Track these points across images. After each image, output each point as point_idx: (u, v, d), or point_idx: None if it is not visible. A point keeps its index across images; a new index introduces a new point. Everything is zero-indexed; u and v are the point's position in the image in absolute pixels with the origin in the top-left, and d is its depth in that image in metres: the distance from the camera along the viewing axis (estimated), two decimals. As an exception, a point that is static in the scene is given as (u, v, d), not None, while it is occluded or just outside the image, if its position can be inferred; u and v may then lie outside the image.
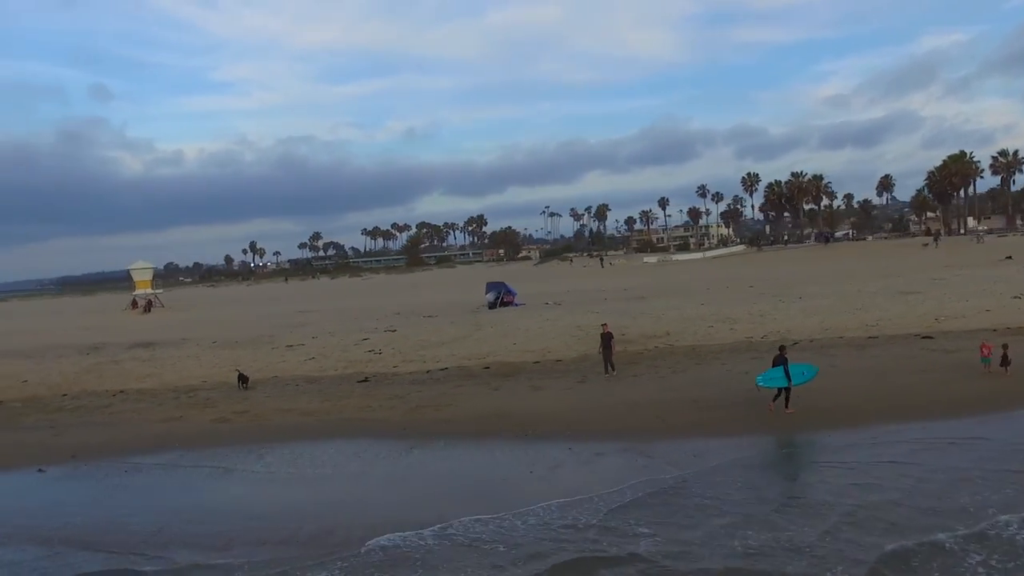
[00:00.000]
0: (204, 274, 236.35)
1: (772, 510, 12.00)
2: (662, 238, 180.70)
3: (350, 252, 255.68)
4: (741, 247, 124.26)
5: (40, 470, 17.85)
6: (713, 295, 44.43)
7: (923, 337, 26.46)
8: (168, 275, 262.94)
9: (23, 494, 16.63)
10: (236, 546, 12.22)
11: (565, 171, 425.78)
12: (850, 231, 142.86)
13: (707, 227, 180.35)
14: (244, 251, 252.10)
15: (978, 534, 10.45)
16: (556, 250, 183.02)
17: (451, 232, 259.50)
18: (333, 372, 28.45)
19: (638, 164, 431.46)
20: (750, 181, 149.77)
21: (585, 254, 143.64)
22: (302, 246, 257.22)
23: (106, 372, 31.00)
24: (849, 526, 11.14)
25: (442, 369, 27.43)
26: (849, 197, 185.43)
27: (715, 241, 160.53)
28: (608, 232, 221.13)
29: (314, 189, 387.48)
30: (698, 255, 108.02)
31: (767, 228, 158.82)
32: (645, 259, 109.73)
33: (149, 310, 68.70)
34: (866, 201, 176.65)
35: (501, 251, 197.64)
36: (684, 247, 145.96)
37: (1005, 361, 20.14)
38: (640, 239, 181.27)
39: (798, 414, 17.97)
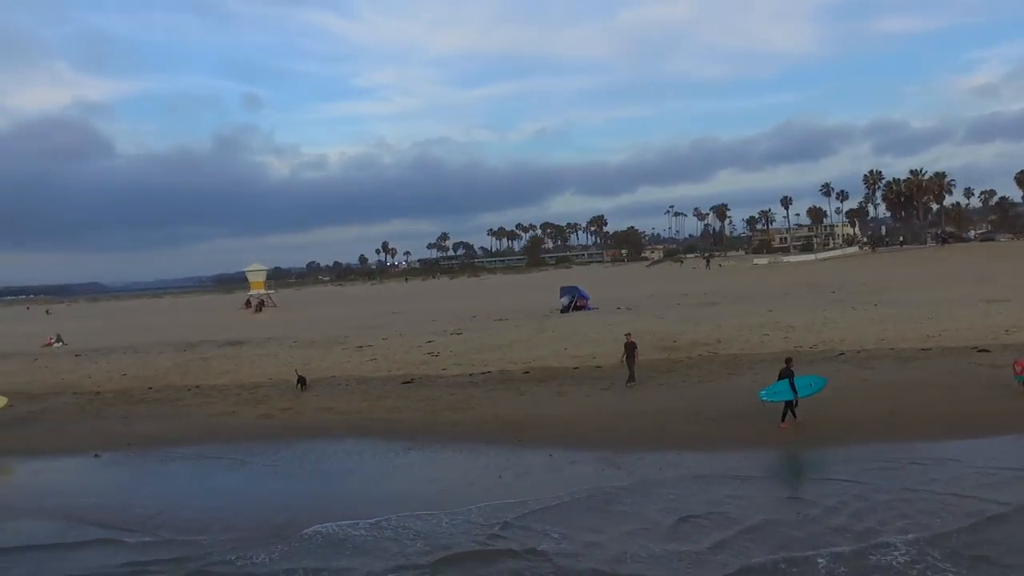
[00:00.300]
0: (340, 273, 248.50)
1: (679, 519, 12.34)
2: (785, 238, 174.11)
3: (479, 252, 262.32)
4: (854, 249, 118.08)
5: (96, 455, 20.35)
6: (789, 301, 43.10)
7: (979, 351, 24.98)
8: (308, 274, 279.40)
9: (69, 475, 19.15)
10: (210, 530, 13.78)
11: (697, 170, 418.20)
12: (987, 230, 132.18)
13: (831, 227, 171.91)
14: (377, 251, 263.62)
15: (854, 552, 10.48)
16: (675, 251, 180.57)
17: (574, 232, 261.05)
18: (386, 373, 30.14)
19: (771, 162, 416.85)
20: (873, 179, 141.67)
21: (698, 255, 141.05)
22: (431, 246, 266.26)
23: (192, 368, 34.15)
24: (743, 539, 11.35)
25: (484, 373, 28.50)
26: (989, 194, 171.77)
27: (840, 241, 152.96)
28: (737, 232, 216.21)
29: (449, 190, 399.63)
30: (810, 257, 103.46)
31: (883, 229, 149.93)
32: (755, 261, 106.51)
33: (260, 309, 74.00)
34: (1003, 199, 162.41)
35: (624, 251, 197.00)
36: (808, 247, 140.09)
37: (1035, 380, 18.98)
38: (761, 239, 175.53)
39: (791, 430, 17.77)
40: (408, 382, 27.67)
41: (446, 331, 39.93)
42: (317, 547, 12.45)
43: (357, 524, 13.15)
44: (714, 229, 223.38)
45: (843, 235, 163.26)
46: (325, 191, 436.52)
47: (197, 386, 29.93)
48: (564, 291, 49.24)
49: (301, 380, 27.88)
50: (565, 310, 46.00)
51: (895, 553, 10.18)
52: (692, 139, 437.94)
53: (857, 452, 15.67)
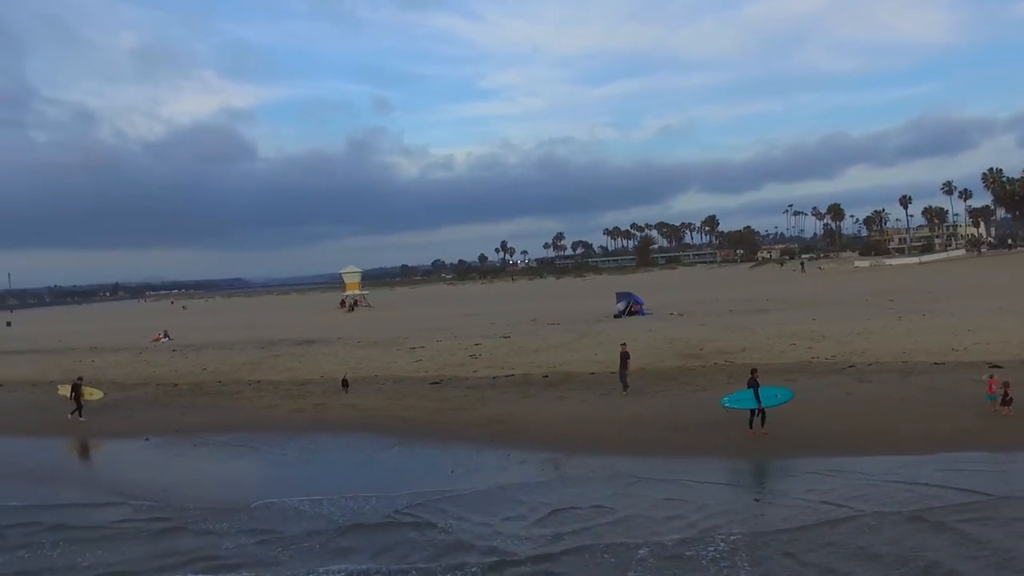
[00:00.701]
0: (462, 272, 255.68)
1: (557, 510, 14.32)
2: (904, 238, 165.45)
3: (597, 251, 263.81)
4: (960, 252, 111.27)
5: (146, 439, 23.71)
6: (839, 310, 42.44)
7: (992, 366, 24.52)
8: (433, 272, 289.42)
9: (118, 455, 22.75)
10: (200, 501, 16.55)
11: (825, 166, 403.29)
12: None
13: (954, 226, 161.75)
14: (496, 250, 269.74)
15: (677, 542, 12.03)
16: (792, 251, 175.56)
17: (688, 232, 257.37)
18: (423, 374, 32.49)
19: (905, 157, 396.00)
20: (992, 179, 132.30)
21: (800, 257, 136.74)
22: (546, 246, 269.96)
23: (262, 364, 37.77)
24: (598, 528, 13.20)
25: (508, 376, 30.34)
26: None
27: (962, 242, 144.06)
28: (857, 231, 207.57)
29: (572, 189, 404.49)
30: (913, 260, 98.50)
31: (991, 230, 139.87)
32: (856, 263, 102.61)
33: (353, 309, 78.80)
34: None
35: (739, 251, 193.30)
36: (928, 248, 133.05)
37: (1005, 400, 18.93)
38: (876, 239, 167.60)
39: (754, 441, 18.67)
40: (436, 383, 29.93)
41: (497, 334, 42.00)
42: (264, 515, 15.27)
43: (303, 500, 15.74)
44: (831, 228, 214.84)
45: (967, 235, 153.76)
46: (451, 190, 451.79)
47: (258, 381, 33.35)
48: (620, 296, 50.42)
49: (345, 383, 30.57)
50: (620, 315, 47.13)
51: (710, 548, 11.40)
52: (821, 135, 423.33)
53: (780, 464, 16.61)
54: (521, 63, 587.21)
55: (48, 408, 29.50)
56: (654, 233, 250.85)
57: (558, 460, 18.09)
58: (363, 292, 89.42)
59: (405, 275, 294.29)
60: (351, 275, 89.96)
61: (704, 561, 11.26)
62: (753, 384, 19.30)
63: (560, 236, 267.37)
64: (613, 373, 29.28)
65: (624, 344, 26.35)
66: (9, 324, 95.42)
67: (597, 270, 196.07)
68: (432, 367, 33.68)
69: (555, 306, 64.03)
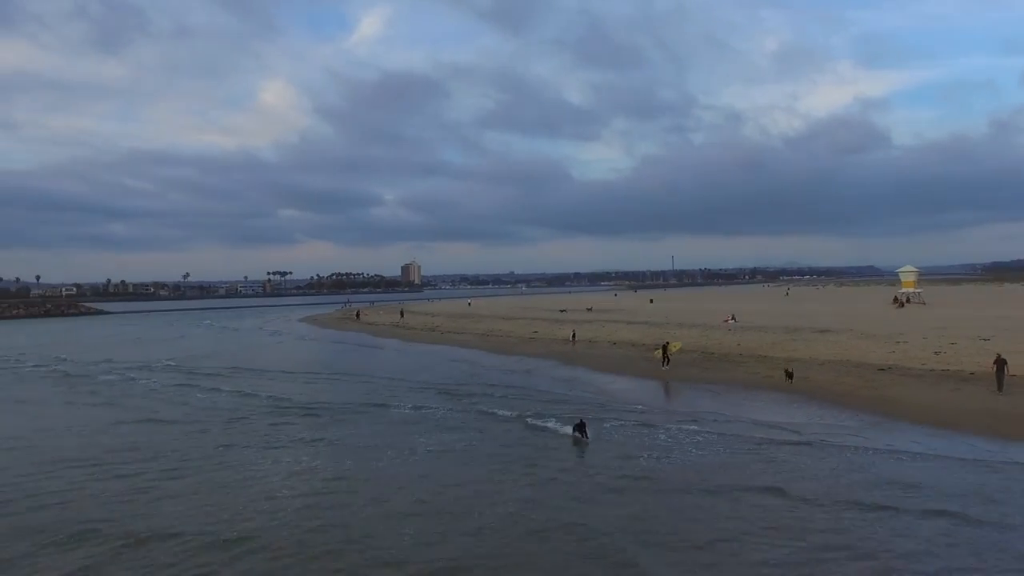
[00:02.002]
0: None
1: (471, 383, 40.18)
2: None
3: None
4: None
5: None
6: None
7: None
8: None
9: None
10: (331, 371, 43.69)
11: None
12: None
13: None
14: None
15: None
16: None
17: None
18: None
19: None
20: None
21: None
22: None
23: (777, 345, 50.94)
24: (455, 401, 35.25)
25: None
26: None
27: None
28: None
29: None
30: None
31: None
32: None
33: (903, 305, 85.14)
34: None
35: None
36: None
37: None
38: None
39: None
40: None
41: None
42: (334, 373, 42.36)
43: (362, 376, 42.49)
44: None
45: None
46: None
47: (765, 356, 46.78)
48: None
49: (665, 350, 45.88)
50: None
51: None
52: None
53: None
54: None
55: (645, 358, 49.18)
56: None
57: (541, 367, 35.44)
58: (918, 290, 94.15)
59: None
60: (907, 274, 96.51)
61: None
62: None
63: None
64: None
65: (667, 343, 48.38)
66: (652, 301, 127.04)
67: None
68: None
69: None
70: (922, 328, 55.90)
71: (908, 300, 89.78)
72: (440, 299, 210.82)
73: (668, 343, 47.43)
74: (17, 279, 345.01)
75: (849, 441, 25.25)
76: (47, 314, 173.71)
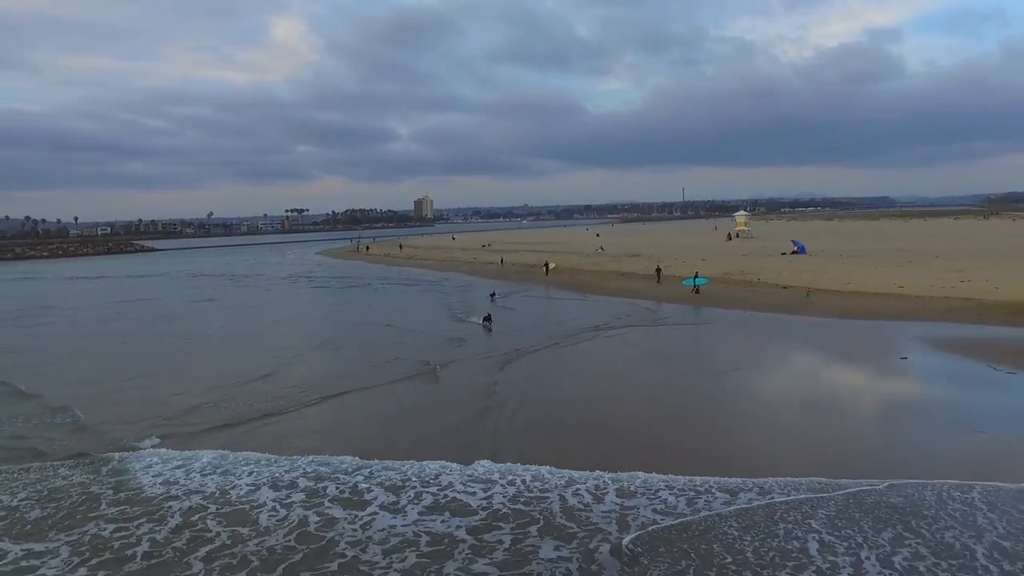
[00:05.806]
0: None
1: (502, 307, 64.33)
2: None
3: None
4: None
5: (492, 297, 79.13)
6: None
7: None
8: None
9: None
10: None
11: None
12: None
13: None
14: None
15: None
16: None
17: None
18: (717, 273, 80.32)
19: None
20: None
21: None
22: None
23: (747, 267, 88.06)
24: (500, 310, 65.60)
25: (624, 274, 77.36)
26: None
27: None
28: None
29: None
30: None
31: None
32: None
33: (731, 239, 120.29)
34: None
35: None
36: None
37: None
38: None
39: (693, 297, 62.42)
40: (622, 274, 78.21)
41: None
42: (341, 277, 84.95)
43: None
44: None
45: None
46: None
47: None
48: (794, 242, 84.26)
49: (546, 265, 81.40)
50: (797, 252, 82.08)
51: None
52: None
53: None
54: None
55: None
56: None
57: (564, 295, 68.57)
58: (747, 228, 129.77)
59: None
60: (740, 216, 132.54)
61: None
62: (695, 275, 63.35)
63: None
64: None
65: (659, 264, 71.90)
66: (598, 235, 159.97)
67: None
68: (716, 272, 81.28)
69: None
70: (689, 256, 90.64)
71: (737, 235, 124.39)
72: (441, 234, 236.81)
73: (547, 261, 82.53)
74: (58, 220, 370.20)
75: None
76: (109, 252, 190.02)
